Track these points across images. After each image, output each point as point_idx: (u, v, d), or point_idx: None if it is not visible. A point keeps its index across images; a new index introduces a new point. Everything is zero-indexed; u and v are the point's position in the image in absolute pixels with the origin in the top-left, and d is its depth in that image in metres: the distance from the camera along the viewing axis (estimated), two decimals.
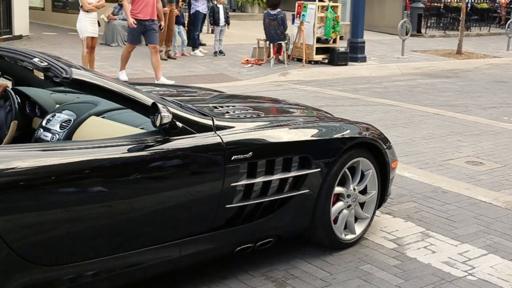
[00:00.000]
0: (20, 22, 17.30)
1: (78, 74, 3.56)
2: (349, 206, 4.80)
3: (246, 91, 11.31)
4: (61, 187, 3.34)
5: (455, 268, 4.60)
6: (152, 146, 3.68)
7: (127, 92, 3.75)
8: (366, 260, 4.68)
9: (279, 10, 14.77)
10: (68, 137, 4.26)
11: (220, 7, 16.25)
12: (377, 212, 5.26)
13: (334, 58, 15.31)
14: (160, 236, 3.80)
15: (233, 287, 4.18)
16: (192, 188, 3.87)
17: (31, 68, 4.82)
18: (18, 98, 4.79)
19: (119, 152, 3.56)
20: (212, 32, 17.42)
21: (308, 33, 15.20)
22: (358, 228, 4.93)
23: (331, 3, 15.45)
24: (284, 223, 4.46)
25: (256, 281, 4.27)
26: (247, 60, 15.35)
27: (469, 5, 25.92)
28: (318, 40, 15.34)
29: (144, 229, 3.73)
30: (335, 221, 4.73)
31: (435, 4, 26.57)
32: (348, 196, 4.78)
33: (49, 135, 4.38)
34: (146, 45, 12.40)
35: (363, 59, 16.03)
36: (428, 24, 25.12)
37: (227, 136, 4.00)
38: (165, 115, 3.60)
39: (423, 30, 24.03)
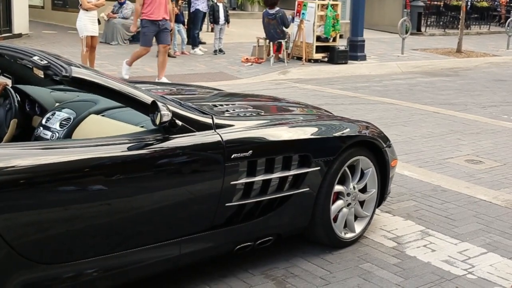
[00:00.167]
0: (20, 20, 17.30)
1: (78, 73, 3.56)
2: (349, 205, 4.80)
3: (246, 90, 11.31)
4: (60, 186, 3.34)
5: (455, 267, 4.60)
6: (152, 144, 3.67)
7: (127, 90, 3.74)
8: (366, 258, 4.68)
9: (277, 9, 14.76)
10: (68, 135, 4.26)
11: (220, 5, 16.24)
12: (377, 210, 5.26)
13: (334, 56, 15.31)
14: (160, 235, 3.80)
15: (233, 285, 4.18)
16: (192, 186, 3.87)
17: (31, 67, 4.81)
18: (18, 97, 4.79)
19: (119, 150, 3.56)
20: (212, 30, 17.42)
21: (308, 32, 15.20)
22: (358, 227, 4.93)
23: (331, 2, 15.44)
24: (283, 221, 4.46)
25: (256, 280, 4.27)
26: (247, 58, 15.35)
27: (469, 3, 25.94)
28: (318, 38, 15.35)
29: (144, 228, 3.73)
30: (335, 219, 4.73)
31: (435, 3, 26.60)
32: (348, 194, 4.78)
33: (49, 133, 4.38)
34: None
35: (363, 58, 16.03)
36: (428, 23, 25.13)
37: (226, 135, 4.00)
38: (165, 114, 3.60)
39: (423, 29, 24.04)
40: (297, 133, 4.51)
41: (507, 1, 29.54)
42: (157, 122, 3.60)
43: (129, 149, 3.58)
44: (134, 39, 17.57)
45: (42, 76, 5.06)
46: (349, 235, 4.87)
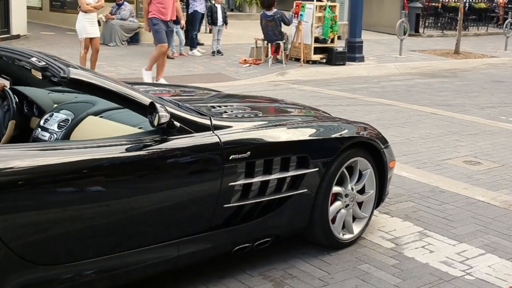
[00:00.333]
0: (18, 21, 17.30)
1: (76, 74, 3.56)
2: (347, 206, 4.80)
3: (244, 91, 11.31)
4: (59, 187, 3.34)
5: (453, 268, 4.60)
6: (150, 145, 3.68)
7: (125, 91, 3.74)
8: (364, 259, 4.68)
9: (275, 10, 14.76)
10: (66, 136, 4.26)
11: (218, 6, 16.24)
12: (375, 211, 5.26)
13: (332, 57, 15.31)
14: (158, 236, 3.80)
15: (231, 286, 4.18)
16: (190, 187, 3.87)
17: (29, 68, 4.81)
18: (16, 98, 4.79)
19: (117, 151, 3.56)
20: (210, 31, 17.41)
21: (306, 33, 15.20)
22: (356, 228, 4.94)
23: (329, 3, 15.45)
24: (282, 222, 4.46)
25: (254, 281, 4.27)
26: (245, 59, 15.35)
27: (467, 4, 25.95)
28: (316, 39, 15.35)
29: (142, 229, 3.73)
30: (333, 220, 4.73)
31: (433, 4, 26.59)
32: (346, 195, 4.78)
33: (47, 134, 4.38)
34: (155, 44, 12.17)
35: (361, 59, 16.04)
36: (426, 24, 25.13)
37: (225, 136, 4.00)
38: (163, 115, 3.60)
39: (421, 30, 24.04)
40: (295, 134, 4.51)
41: (505, 3, 29.55)
42: (155, 123, 3.60)
43: (127, 150, 3.58)
44: (132, 40, 17.59)
45: (40, 77, 5.05)
46: (347, 236, 4.87)
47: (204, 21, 18.06)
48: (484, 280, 4.44)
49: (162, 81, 11.76)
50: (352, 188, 4.81)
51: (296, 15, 15.37)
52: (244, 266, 4.44)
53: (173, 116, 3.73)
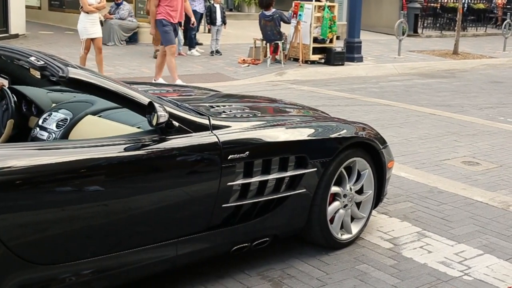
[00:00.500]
0: (17, 21, 17.28)
1: (75, 73, 3.56)
2: (345, 206, 4.80)
3: (243, 91, 11.31)
4: (57, 186, 3.34)
5: (451, 268, 4.60)
6: (149, 145, 3.67)
7: (124, 91, 3.74)
8: (362, 259, 4.68)
9: (274, 10, 14.75)
10: (65, 136, 4.26)
11: (217, 6, 16.24)
12: (374, 212, 5.27)
13: (330, 58, 15.31)
14: (157, 235, 3.80)
15: (229, 286, 4.18)
16: (189, 187, 3.87)
17: (27, 67, 4.81)
18: (15, 97, 4.79)
19: (116, 151, 3.56)
20: (209, 31, 17.41)
21: (305, 33, 15.20)
22: (355, 228, 4.94)
23: (328, 3, 15.45)
24: (280, 222, 4.46)
25: (252, 281, 4.27)
26: (244, 59, 15.35)
27: (465, 5, 25.95)
28: (315, 40, 15.35)
29: (141, 228, 3.73)
30: (332, 220, 4.73)
31: (432, 5, 26.59)
32: (345, 196, 4.78)
33: (46, 134, 4.37)
34: (161, 44, 12.04)
35: (360, 59, 16.04)
36: (425, 24, 25.14)
37: (223, 136, 4.00)
38: (162, 114, 3.60)
39: (419, 30, 24.05)
40: (294, 134, 4.51)
41: (504, 3, 29.57)
42: (154, 123, 3.60)
43: (125, 150, 3.58)
44: (130, 40, 17.58)
45: (39, 76, 5.05)
46: (346, 236, 4.87)
47: (203, 21, 18.05)
48: (482, 280, 4.44)
49: (160, 80, 11.75)
50: (350, 188, 4.81)
51: (295, 15, 15.37)
52: (243, 266, 4.44)
53: (171, 115, 3.73)
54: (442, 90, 13.20)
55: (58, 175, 3.34)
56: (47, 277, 3.37)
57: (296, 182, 4.41)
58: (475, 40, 23.82)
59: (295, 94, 11.73)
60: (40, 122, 4.49)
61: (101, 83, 3.67)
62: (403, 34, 17.98)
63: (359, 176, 4.89)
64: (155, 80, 11.75)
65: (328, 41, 15.49)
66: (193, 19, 13.20)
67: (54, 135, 4.31)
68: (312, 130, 4.69)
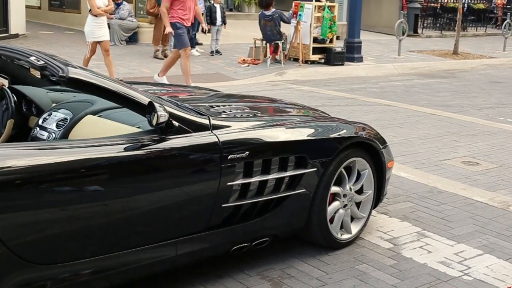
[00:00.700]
0: (17, 20, 17.28)
1: (75, 73, 3.56)
2: (345, 206, 4.80)
3: (243, 91, 11.31)
4: (57, 186, 3.34)
5: (451, 268, 4.60)
6: (149, 145, 3.67)
7: (124, 91, 3.74)
8: (362, 259, 4.68)
9: (273, 10, 14.75)
10: (65, 136, 4.26)
11: (217, 6, 16.24)
12: (373, 212, 5.27)
13: (330, 58, 15.31)
14: (156, 235, 3.80)
15: (229, 286, 4.18)
16: (188, 187, 3.87)
17: (27, 67, 4.81)
18: (15, 97, 4.79)
19: (115, 151, 3.56)
20: (209, 31, 17.41)
21: (305, 33, 15.19)
22: (354, 228, 4.94)
23: (328, 3, 15.45)
24: (280, 222, 4.46)
25: (252, 281, 4.27)
26: (244, 59, 15.34)
27: (465, 5, 25.96)
28: (315, 40, 15.34)
29: (140, 228, 3.73)
30: (331, 220, 4.73)
31: (432, 5, 26.60)
32: (344, 195, 4.78)
33: (46, 133, 4.38)
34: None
35: (360, 59, 16.04)
36: (425, 25, 25.14)
37: (223, 136, 4.01)
38: (162, 114, 3.60)
39: (419, 31, 24.05)
40: (294, 134, 4.51)
41: (504, 3, 29.58)
42: (154, 122, 3.60)
43: (125, 149, 3.58)
44: (130, 39, 17.57)
45: (39, 76, 5.05)
46: (346, 236, 4.87)
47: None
48: (482, 280, 4.44)
49: (163, 79, 11.70)
50: (350, 188, 4.82)
51: (295, 15, 15.37)
52: (242, 266, 4.44)
53: (171, 115, 3.73)
54: (442, 90, 13.20)
55: (58, 175, 3.34)
56: (47, 277, 3.37)
57: (296, 182, 4.41)
58: (475, 40, 23.83)
59: (295, 94, 11.73)
60: (40, 122, 4.49)
61: (101, 83, 3.68)
62: (403, 34, 17.98)
63: (359, 176, 4.90)
64: (158, 75, 11.70)
65: (328, 41, 15.49)
66: (203, 25, 13.08)
67: (54, 135, 4.31)
68: (312, 130, 4.69)
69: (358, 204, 4.96)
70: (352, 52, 15.84)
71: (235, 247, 4.24)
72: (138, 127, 4.02)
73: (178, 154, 3.80)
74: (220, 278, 4.26)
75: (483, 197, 6.19)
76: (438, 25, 25.86)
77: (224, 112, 4.60)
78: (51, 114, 4.50)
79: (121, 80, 4.37)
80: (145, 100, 3.71)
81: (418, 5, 23.57)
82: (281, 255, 4.65)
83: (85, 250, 3.51)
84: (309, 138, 4.58)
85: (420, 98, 12.00)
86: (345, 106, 10.77)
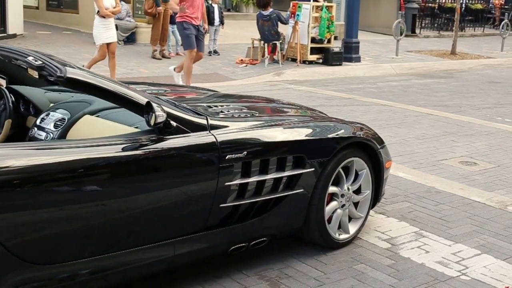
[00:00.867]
0: (15, 20, 17.26)
1: (72, 73, 3.56)
2: (343, 206, 4.81)
3: (241, 91, 11.31)
4: (55, 186, 3.34)
5: (449, 268, 4.61)
6: (146, 145, 3.67)
7: (122, 91, 3.74)
8: (360, 259, 4.69)
9: (271, 10, 14.76)
10: (62, 136, 4.26)
11: (215, 6, 16.24)
12: (371, 212, 5.27)
13: (328, 58, 15.32)
14: (154, 235, 3.80)
15: (227, 286, 4.18)
16: (186, 187, 3.87)
17: (25, 67, 4.80)
18: (12, 97, 4.79)
19: (113, 151, 3.56)
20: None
21: (303, 33, 15.21)
22: (352, 228, 4.94)
23: (326, 3, 15.46)
24: (278, 222, 4.46)
25: (250, 281, 4.27)
26: (242, 59, 15.35)
27: (463, 5, 25.98)
28: (313, 40, 15.35)
29: (138, 228, 3.72)
30: (329, 220, 4.73)
31: (430, 5, 26.62)
32: (342, 195, 4.78)
33: (43, 134, 4.37)
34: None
35: (358, 59, 16.05)
36: (423, 25, 25.16)
37: (221, 136, 4.01)
38: (159, 114, 3.60)
39: (417, 31, 24.06)
40: (292, 134, 4.51)
41: (502, 4, 29.61)
42: (152, 123, 3.60)
43: (123, 149, 3.58)
44: (128, 40, 17.56)
45: (37, 76, 5.05)
46: (343, 236, 4.87)
47: None
48: (480, 280, 4.45)
49: (178, 78, 11.53)
50: (348, 188, 4.82)
51: (292, 15, 15.38)
52: (240, 266, 4.44)
53: (169, 115, 3.73)
54: (440, 90, 13.21)
55: (56, 175, 3.34)
56: (45, 277, 3.37)
57: (294, 182, 4.42)
58: (473, 40, 23.84)
59: (293, 94, 11.74)
60: (38, 122, 4.49)
61: (99, 83, 3.67)
62: (401, 34, 18.00)
63: (356, 176, 4.90)
64: (174, 70, 11.67)
65: (326, 41, 15.50)
66: (206, 26, 13.02)
67: (52, 135, 4.31)
68: (310, 130, 4.69)
69: (356, 204, 4.96)
70: (350, 52, 15.85)
71: (233, 247, 4.24)
72: (136, 127, 4.02)
73: (176, 154, 3.80)
74: (218, 278, 4.26)
75: (481, 197, 6.19)
76: (436, 25, 25.88)
77: (222, 112, 4.60)
78: (49, 114, 4.49)
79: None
80: (143, 100, 3.71)
81: (416, 5, 23.60)
82: (279, 255, 4.65)
83: (83, 250, 3.51)
84: (307, 138, 4.58)
85: (418, 98, 12.01)
86: (343, 106, 10.78)
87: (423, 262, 4.69)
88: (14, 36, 17.10)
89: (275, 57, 15.27)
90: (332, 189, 4.68)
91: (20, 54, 3.87)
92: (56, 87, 5.00)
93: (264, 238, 4.42)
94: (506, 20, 21.19)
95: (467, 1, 27.76)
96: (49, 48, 15.26)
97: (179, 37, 16.23)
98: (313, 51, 15.46)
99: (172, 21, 15.95)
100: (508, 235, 5.26)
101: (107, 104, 4.21)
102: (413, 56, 18.13)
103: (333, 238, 4.77)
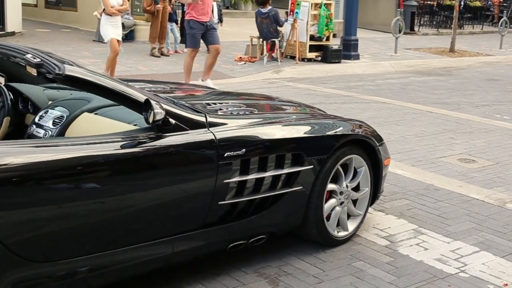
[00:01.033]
0: (13, 18, 17.24)
1: (71, 71, 3.55)
2: (341, 203, 4.81)
3: (239, 88, 11.29)
4: (53, 184, 3.34)
5: (448, 265, 4.61)
6: (145, 142, 3.67)
7: (120, 88, 3.74)
8: (359, 257, 4.69)
9: (270, 7, 14.76)
10: (61, 133, 4.26)
11: (214, 4, 16.19)
12: (370, 209, 5.27)
13: (327, 55, 15.32)
14: (153, 233, 3.79)
15: (226, 283, 4.18)
16: (185, 184, 3.87)
17: (24, 64, 4.78)
18: (11, 95, 4.78)
19: (112, 148, 3.55)
20: None
21: (302, 31, 15.20)
22: (351, 225, 4.94)
23: (325, 1, 15.45)
24: (277, 220, 4.46)
25: (248, 278, 4.27)
26: (241, 57, 15.34)
27: (462, 3, 25.99)
28: (312, 37, 15.35)
29: (137, 226, 3.72)
30: (328, 218, 4.73)
31: (428, 2, 26.64)
32: (341, 193, 4.78)
33: (42, 131, 4.37)
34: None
35: (356, 57, 16.05)
36: (421, 22, 25.18)
37: (220, 133, 4.00)
38: (158, 112, 3.60)
39: (416, 28, 24.08)
40: (290, 131, 4.51)
41: (500, 1, 29.63)
42: (150, 120, 3.60)
43: (122, 147, 3.58)
44: (127, 37, 17.54)
45: (35, 74, 5.04)
46: (342, 233, 4.87)
47: None
48: (479, 277, 4.45)
49: (208, 82, 11.36)
50: (347, 186, 4.82)
51: (291, 13, 15.37)
52: (239, 263, 4.44)
53: (168, 113, 3.73)
54: (439, 87, 13.21)
55: (55, 173, 3.33)
56: (43, 275, 3.36)
57: (293, 180, 4.42)
58: (472, 38, 23.85)
59: (292, 92, 11.74)
60: (36, 120, 4.49)
61: (98, 80, 3.67)
62: (400, 32, 18.00)
63: (355, 173, 4.90)
64: (202, 81, 11.37)
65: (324, 39, 15.50)
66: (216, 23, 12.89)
67: (50, 133, 4.31)
68: (309, 128, 4.69)
69: (354, 202, 4.96)
70: (348, 50, 15.86)
71: (231, 245, 4.24)
72: (135, 125, 4.02)
73: (174, 151, 3.80)
74: (217, 276, 4.26)
75: (480, 194, 6.20)
76: (434, 22, 25.90)
77: (220, 109, 4.59)
78: (47, 111, 4.49)
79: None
80: (141, 97, 3.71)
81: (414, 3, 23.61)
82: (278, 253, 4.65)
83: (81, 247, 3.51)
84: (305, 135, 4.58)
85: (417, 96, 12.01)
86: (342, 103, 10.77)
87: (422, 259, 4.69)
88: (12, 34, 17.09)
89: (274, 54, 15.27)
90: (330, 186, 4.68)
91: (19, 51, 3.87)
92: (54, 85, 4.99)
93: (263, 236, 4.42)
94: (504, 18, 21.21)
95: None
96: (47, 46, 15.24)
97: (177, 35, 16.27)
98: (312, 48, 15.45)
99: (171, 19, 15.96)
100: (506, 232, 5.27)
101: (106, 101, 4.21)
102: (412, 54, 18.14)
103: (332, 236, 4.77)
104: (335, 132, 4.77)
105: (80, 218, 3.46)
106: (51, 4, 21.81)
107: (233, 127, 4.15)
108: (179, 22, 16.84)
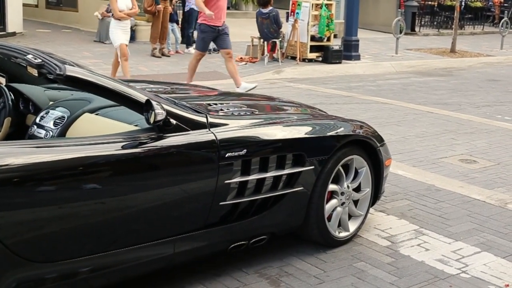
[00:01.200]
0: (14, 19, 17.25)
1: (72, 71, 3.55)
2: (343, 204, 4.80)
3: None
4: (54, 184, 3.33)
5: (449, 266, 4.61)
6: (146, 143, 3.67)
7: (121, 89, 3.74)
8: (360, 257, 4.69)
9: (271, 8, 14.75)
10: (62, 134, 4.26)
11: None
12: (371, 209, 5.27)
13: (328, 56, 15.31)
14: (154, 233, 3.79)
15: (227, 284, 4.18)
16: (186, 185, 3.87)
17: (25, 65, 4.78)
18: (12, 95, 4.78)
19: (113, 149, 3.55)
20: None
21: (302, 31, 15.19)
22: (352, 226, 4.94)
23: (326, 1, 15.44)
24: (278, 220, 4.46)
25: (249, 279, 4.27)
26: (241, 58, 15.34)
27: (463, 3, 25.98)
28: (312, 38, 15.33)
29: (138, 226, 3.72)
30: (329, 218, 4.73)
31: (429, 3, 26.63)
32: (342, 193, 4.78)
33: (43, 132, 4.37)
34: (211, 51, 11.39)
35: (357, 57, 16.04)
36: (422, 23, 25.16)
37: (221, 134, 4.00)
38: (159, 112, 3.60)
39: (417, 29, 24.07)
40: (291, 132, 4.51)
41: (501, 2, 29.62)
42: (151, 121, 3.60)
43: (123, 147, 3.58)
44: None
45: (36, 74, 5.04)
46: (343, 234, 4.87)
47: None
48: (480, 278, 4.45)
49: (244, 84, 11.29)
50: (348, 186, 4.82)
51: (292, 13, 15.36)
52: (240, 264, 4.44)
53: (169, 113, 3.73)
54: (440, 88, 13.21)
55: (56, 173, 3.33)
56: (44, 275, 3.36)
57: (294, 180, 4.41)
58: (473, 38, 23.84)
59: (293, 92, 11.73)
60: (37, 120, 4.49)
61: (99, 81, 3.67)
62: (401, 32, 17.99)
63: (356, 174, 4.90)
64: (237, 88, 11.26)
65: (325, 39, 15.49)
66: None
67: (51, 133, 4.31)
68: (310, 128, 4.68)
69: (355, 202, 4.96)
70: (349, 50, 15.84)
71: (233, 245, 4.24)
72: (136, 125, 4.02)
73: (175, 152, 3.79)
74: (218, 276, 4.26)
75: (481, 195, 6.19)
76: (435, 23, 25.89)
77: (221, 110, 4.59)
78: (48, 112, 4.49)
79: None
80: (142, 98, 3.71)
81: (415, 3, 23.61)
82: (279, 253, 4.65)
83: (83, 248, 3.51)
84: (306, 136, 4.58)
85: (418, 96, 12.00)
86: (343, 104, 10.77)
87: (423, 260, 4.69)
88: (13, 34, 17.10)
89: (274, 55, 15.26)
90: (332, 187, 4.68)
91: (20, 52, 3.87)
92: (55, 85, 4.99)
93: (264, 236, 4.42)
94: (505, 18, 21.21)
95: None
96: (48, 46, 15.25)
97: (178, 35, 16.27)
98: (313, 49, 15.44)
99: (171, 19, 15.95)
100: (508, 233, 5.27)
101: (107, 102, 4.21)
102: (413, 54, 18.13)
103: (333, 236, 4.77)
104: (336, 132, 4.77)
105: (81, 219, 3.46)
106: (52, 5, 21.82)
107: (234, 128, 4.15)
108: (180, 22, 16.84)
